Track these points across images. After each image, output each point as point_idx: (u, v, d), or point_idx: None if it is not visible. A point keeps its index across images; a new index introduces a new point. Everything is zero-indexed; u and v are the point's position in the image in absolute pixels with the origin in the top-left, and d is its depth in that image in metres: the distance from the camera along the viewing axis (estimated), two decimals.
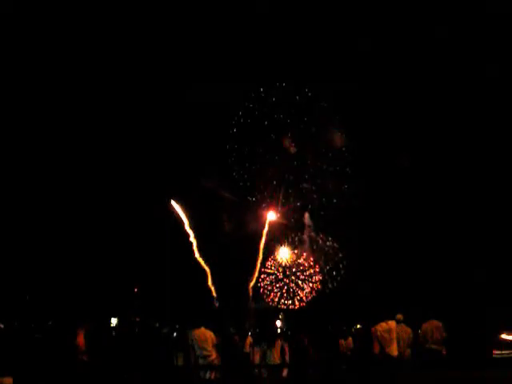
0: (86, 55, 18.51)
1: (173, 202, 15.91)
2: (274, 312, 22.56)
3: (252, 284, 18.54)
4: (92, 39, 18.34)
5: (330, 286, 19.80)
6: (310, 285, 19.85)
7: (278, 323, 24.53)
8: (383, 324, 11.09)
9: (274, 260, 20.36)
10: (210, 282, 13.97)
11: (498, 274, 17.05)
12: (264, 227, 19.90)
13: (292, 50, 16.98)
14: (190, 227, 16.04)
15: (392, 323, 11.21)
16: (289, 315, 21.88)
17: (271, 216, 19.93)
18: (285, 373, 11.80)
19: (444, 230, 18.19)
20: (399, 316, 11.87)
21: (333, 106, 18.22)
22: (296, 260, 20.27)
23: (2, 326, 14.89)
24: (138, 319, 18.99)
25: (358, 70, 17.11)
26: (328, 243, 20.38)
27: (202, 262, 15.23)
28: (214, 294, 16.16)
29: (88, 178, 19.14)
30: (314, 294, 19.77)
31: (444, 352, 11.23)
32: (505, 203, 17.48)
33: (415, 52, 16.97)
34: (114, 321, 22.05)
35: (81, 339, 11.27)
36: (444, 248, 18.02)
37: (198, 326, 11.14)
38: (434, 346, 11.36)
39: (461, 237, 17.88)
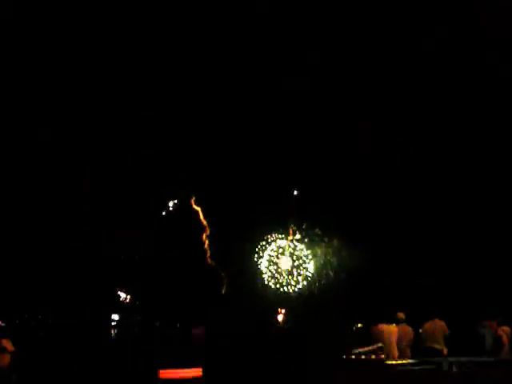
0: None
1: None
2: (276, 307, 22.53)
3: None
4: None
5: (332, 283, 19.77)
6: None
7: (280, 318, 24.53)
8: (384, 326, 11.11)
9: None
10: (223, 290, 13.92)
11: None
12: None
13: (291, 51, 16.85)
14: (206, 236, 15.86)
15: (393, 328, 11.22)
16: (289, 311, 21.84)
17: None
18: None
19: (447, 227, 18.15)
20: (401, 315, 11.82)
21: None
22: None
23: (3, 323, 14.92)
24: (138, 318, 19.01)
25: (359, 70, 16.99)
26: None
27: (219, 270, 15.30)
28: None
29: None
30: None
31: (445, 352, 11.19)
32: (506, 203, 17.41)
33: (414, 53, 16.89)
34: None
35: None
36: (446, 246, 17.98)
37: (199, 326, 11.09)
38: (435, 346, 11.34)
39: (464, 234, 17.86)
